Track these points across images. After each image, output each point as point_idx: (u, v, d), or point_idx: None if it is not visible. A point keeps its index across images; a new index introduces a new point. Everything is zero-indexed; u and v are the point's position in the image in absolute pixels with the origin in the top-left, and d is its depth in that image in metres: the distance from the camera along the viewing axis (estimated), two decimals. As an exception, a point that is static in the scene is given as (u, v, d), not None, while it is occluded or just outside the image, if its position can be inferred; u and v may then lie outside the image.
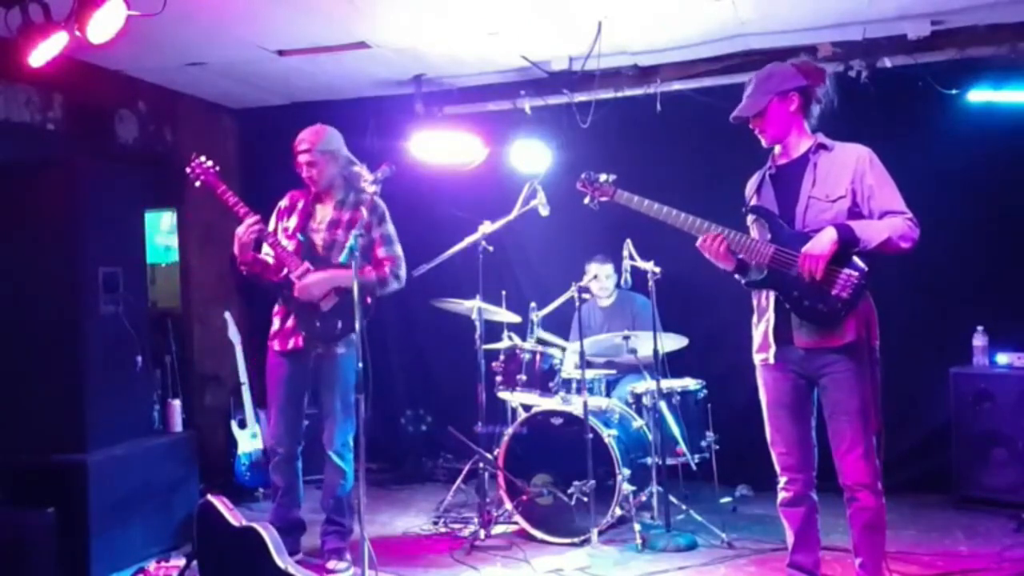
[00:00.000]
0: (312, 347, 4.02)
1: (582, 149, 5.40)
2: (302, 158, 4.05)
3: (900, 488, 4.66)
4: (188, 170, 4.02)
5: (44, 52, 3.64)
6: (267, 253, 4.06)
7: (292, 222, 4.12)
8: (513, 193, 4.69)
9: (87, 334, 4.18)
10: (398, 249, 4.09)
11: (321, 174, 4.05)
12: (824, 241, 3.02)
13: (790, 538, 3.31)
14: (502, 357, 4.68)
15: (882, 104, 4.86)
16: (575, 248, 5.44)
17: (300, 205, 4.15)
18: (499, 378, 4.66)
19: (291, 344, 4.04)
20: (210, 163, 4.03)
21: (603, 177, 3.37)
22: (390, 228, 4.12)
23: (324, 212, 4.11)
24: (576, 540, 4.32)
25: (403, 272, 4.11)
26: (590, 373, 4.80)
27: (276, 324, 4.13)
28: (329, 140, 4.07)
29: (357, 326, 3.27)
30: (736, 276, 3.27)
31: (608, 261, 5.25)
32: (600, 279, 5.27)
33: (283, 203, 4.21)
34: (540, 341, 4.86)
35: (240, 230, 3.91)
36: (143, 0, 3.55)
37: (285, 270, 4.01)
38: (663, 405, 4.62)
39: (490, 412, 4.73)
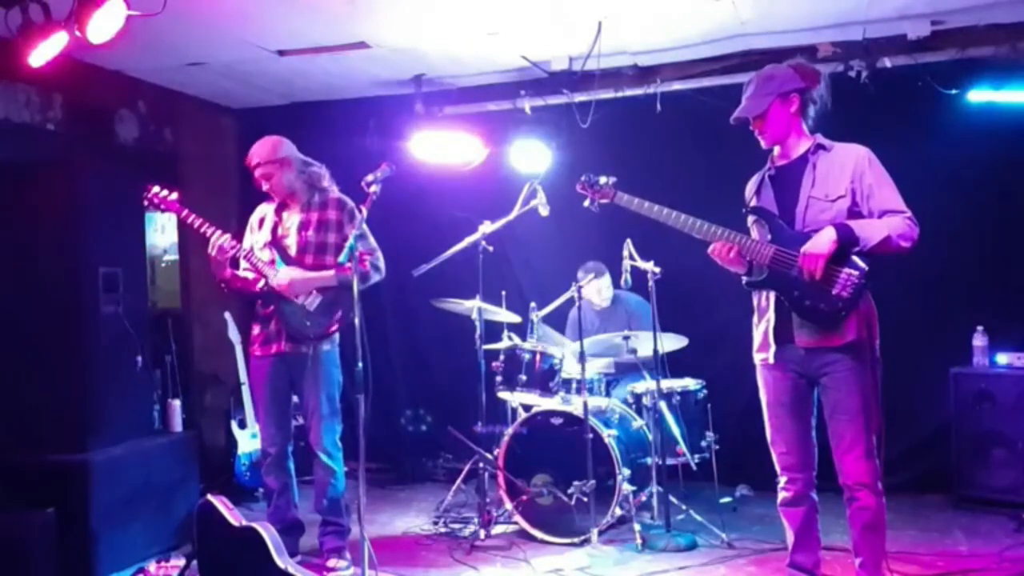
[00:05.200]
0: (300, 347, 4.03)
1: (582, 149, 5.40)
2: (256, 173, 4.09)
3: (900, 488, 4.68)
4: (145, 202, 4.07)
5: (44, 52, 3.64)
6: (245, 269, 4.08)
7: (263, 235, 4.15)
8: (513, 193, 4.69)
9: (87, 334, 4.18)
10: (372, 241, 4.11)
11: (279, 183, 4.08)
12: (823, 240, 3.02)
13: (790, 538, 3.31)
14: (502, 357, 4.67)
15: (882, 104, 4.85)
16: (575, 248, 5.43)
17: (268, 216, 4.19)
18: (499, 378, 4.66)
19: (274, 348, 4.06)
20: (165, 192, 4.07)
21: (603, 179, 3.37)
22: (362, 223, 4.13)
23: (291, 217, 4.14)
24: (576, 540, 4.32)
25: (382, 263, 4.12)
26: (590, 373, 4.80)
27: (256, 329, 4.15)
28: (277, 149, 4.09)
29: (357, 323, 3.27)
30: (743, 278, 3.27)
31: (603, 273, 5.20)
32: (602, 291, 5.25)
33: (252, 219, 4.25)
34: (541, 337, 4.86)
35: (211, 250, 3.96)
36: (143, 0, 3.55)
37: (263, 281, 4.03)
38: (663, 405, 4.62)
39: (490, 412, 4.73)
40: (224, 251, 3.96)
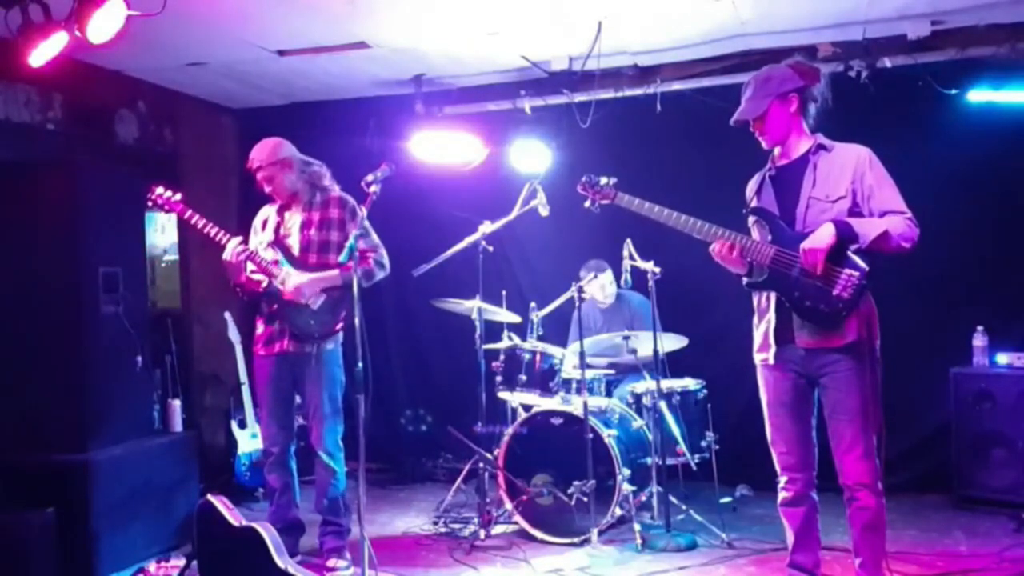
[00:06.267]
0: (304, 347, 4.03)
1: (582, 149, 5.40)
2: (258, 176, 4.10)
3: (900, 488, 4.69)
4: (148, 203, 4.10)
5: (44, 52, 3.64)
6: (252, 271, 4.08)
7: (267, 235, 4.16)
8: (513, 193, 4.69)
9: (87, 334, 4.18)
10: (375, 238, 4.11)
11: (281, 185, 4.09)
12: (823, 235, 3.02)
13: (790, 538, 3.31)
14: (502, 357, 4.67)
15: (882, 104, 4.85)
16: (575, 248, 5.43)
17: (271, 217, 4.19)
18: (499, 378, 4.66)
19: (278, 348, 4.07)
20: (169, 193, 4.09)
21: (604, 180, 3.37)
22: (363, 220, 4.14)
23: (294, 217, 4.14)
24: (576, 540, 4.32)
25: (386, 260, 4.12)
26: (590, 373, 4.80)
27: (260, 328, 4.15)
28: (277, 151, 4.09)
29: (357, 323, 3.27)
30: (744, 279, 3.27)
31: (604, 269, 5.20)
32: (605, 287, 5.26)
33: (256, 221, 4.26)
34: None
35: (226, 255, 3.97)
36: (143, 0, 3.55)
37: (267, 281, 4.03)
38: (663, 405, 4.61)
39: (490, 412, 4.73)
40: (238, 255, 3.97)
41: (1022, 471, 4.60)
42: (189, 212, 4.06)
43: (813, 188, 3.15)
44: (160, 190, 4.09)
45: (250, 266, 4.06)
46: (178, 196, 4.10)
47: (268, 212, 4.22)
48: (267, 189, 4.12)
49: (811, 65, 3.24)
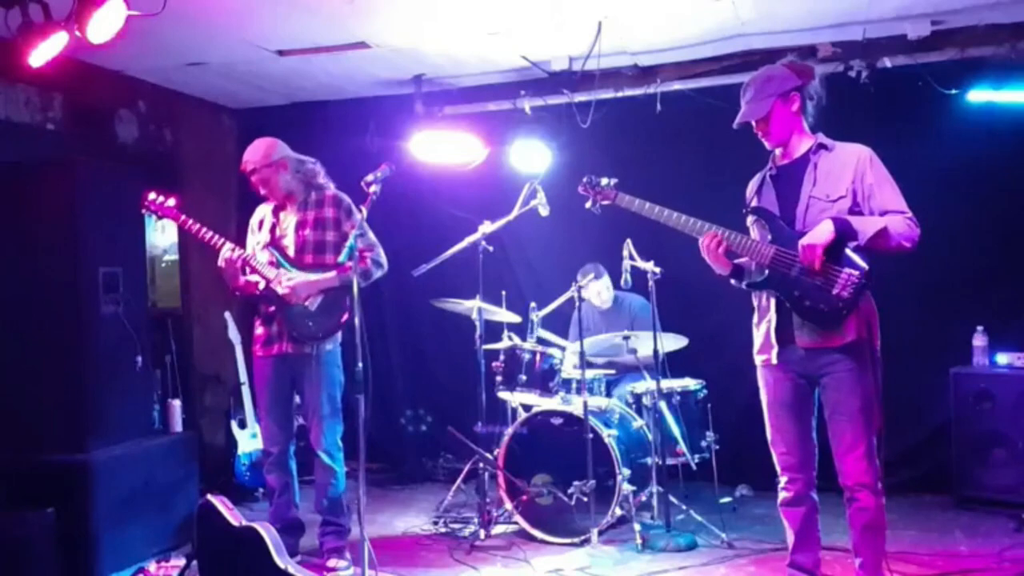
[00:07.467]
0: (303, 347, 4.03)
1: (582, 149, 5.40)
2: (253, 179, 4.10)
3: (900, 488, 4.69)
4: (143, 210, 4.10)
5: (44, 52, 3.64)
6: (250, 273, 4.09)
7: (263, 236, 4.16)
8: (513, 193, 4.70)
9: (87, 334, 4.17)
10: (372, 237, 4.11)
11: (276, 186, 4.09)
12: (821, 231, 3.03)
13: (790, 538, 3.31)
14: (502, 357, 4.67)
15: (882, 104, 4.86)
16: (575, 248, 5.43)
17: (266, 217, 4.19)
18: (499, 378, 4.66)
19: (277, 349, 4.07)
20: (162, 198, 4.09)
21: (605, 181, 3.39)
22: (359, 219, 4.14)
23: (289, 218, 4.15)
24: (576, 540, 4.32)
25: (383, 258, 4.12)
26: (590, 373, 4.80)
27: (259, 329, 4.15)
28: (270, 152, 4.09)
29: (357, 323, 3.27)
30: (732, 281, 3.28)
31: (602, 274, 5.21)
32: (601, 292, 5.26)
33: (252, 221, 4.26)
34: (540, 340, 4.86)
35: (221, 260, 3.98)
36: (143, 0, 3.55)
37: (264, 283, 4.04)
38: (663, 405, 4.61)
39: (490, 412, 4.73)
40: (233, 262, 3.98)
41: (1022, 471, 4.60)
42: (183, 218, 4.07)
43: (813, 187, 3.15)
44: (153, 195, 4.08)
45: (246, 269, 4.06)
46: (171, 201, 4.10)
47: (264, 212, 4.22)
48: (262, 191, 4.12)
49: (804, 63, 3.26)
